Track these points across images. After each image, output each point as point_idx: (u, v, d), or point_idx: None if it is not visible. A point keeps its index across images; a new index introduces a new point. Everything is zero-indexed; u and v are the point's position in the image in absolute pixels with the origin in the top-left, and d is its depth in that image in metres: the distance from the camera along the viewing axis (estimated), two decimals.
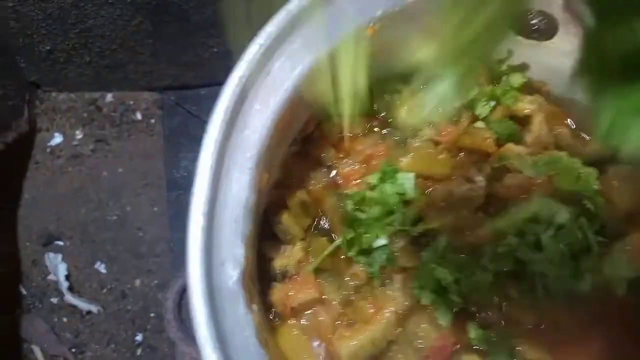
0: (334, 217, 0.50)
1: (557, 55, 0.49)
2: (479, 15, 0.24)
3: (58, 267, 0.71)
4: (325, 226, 0.52)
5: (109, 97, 0.77)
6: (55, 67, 0.72)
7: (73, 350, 0.69)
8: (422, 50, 0.25)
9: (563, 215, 0.45)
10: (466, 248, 0.48)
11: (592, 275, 0.45)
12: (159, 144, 0.74)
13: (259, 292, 0.45)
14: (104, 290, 0.71)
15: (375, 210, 0.48)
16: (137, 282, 0.71)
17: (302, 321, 0.49)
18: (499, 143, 0.52)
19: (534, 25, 0.37)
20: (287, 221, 0.49)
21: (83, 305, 0.70)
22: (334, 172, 0.52)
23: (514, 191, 0.49)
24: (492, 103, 0.53)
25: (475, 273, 0.47)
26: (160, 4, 0.62)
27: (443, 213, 0.49)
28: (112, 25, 0.65)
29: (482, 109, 0.52)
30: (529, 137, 0.52)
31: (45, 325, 0.70)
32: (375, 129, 0.53)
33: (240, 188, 0.39)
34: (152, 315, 0.70)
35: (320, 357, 0.48)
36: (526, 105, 0.53)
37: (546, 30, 0.46)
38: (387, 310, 0.47)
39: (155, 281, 0.71)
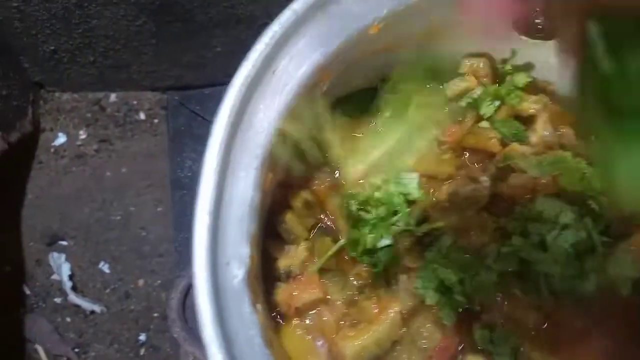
0: (338, 217, 0.51)
1: None
2: None
3: (62, 267, 0.71)
4: (330, 226, 0.52)
5: (113, 97, 0.77)
6: (59, 67, 0.72)
7: (76, 350, 0.69)
8: None
9: (568, 215, 0.45)
10: (470, 248, 0.48)
11: (597, 276, 0.45)
12: (162, 144, 0.75)
13: (263, 292, 0.45)
14: (108, 290, 0.71)
15: (380, 210, 0.48)
16: (141, 282, 0.71)
17: (306, 321, 0.49)
18: (504, 143, 0.52)
19: (538, 24, 0.37)
20: (291, 221, 0.49)
21: (86, 305, 0.70)
22: (338, 172, 0.52)
23: (519, 191, 0.49)
24: (497, 103, 0.53)
25: (479, 273, 0.47)
26: (164, 4, 0.62)
27: (447, 213, 0.49)
28: (116, 26, 0.65)
29: (487, 109, 0.52)
30: (533, 137, 0.52)
31: (48, 325, 0.70)
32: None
33: (245, 187, 0.39)
34: (155, 315, 0.70)
35: (324, 357, 0.48)
36: (531, 105, 0.52)
37: (551, 30, 0.46)
38: (392, 311, 0.47)
39: (159, 281, 0.71)
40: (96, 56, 0.70)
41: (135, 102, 0.77)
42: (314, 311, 0.49)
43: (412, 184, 0.48)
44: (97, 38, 0.67)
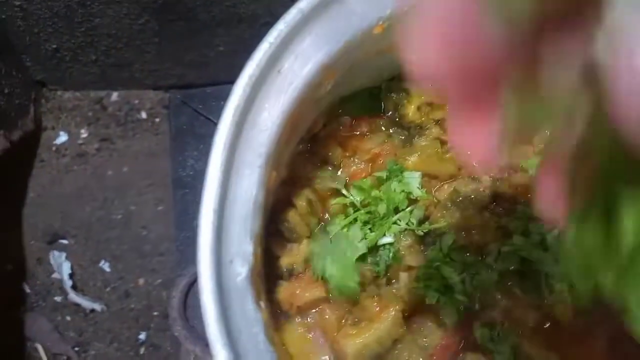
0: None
1: None
2: None
3: (62, 266, 0.71)
4: None
5: (115, 96, 0.77)
6: (61, 66, 0.72)
7: (76, 348, 0.69)
8: None
9: None
10: (471, 247, 0.48)
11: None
12: (164, 143, 0.75)
13: (266, 290, 0.45)
14: (108, 289, 0.71)
15: (382, 209, 0.48)
16: (141, 281, 0.71)
17: (308, 319, 0.49)
18: None
19: None
20: (294, 219, 0.49)
21: (87, 303, 0.70)
22: (340, 171, 0.52)
23: (520, 190, 0.49)
24: None
25: (480, 272, 0.47)
26: (166, 2, 0.63)
27: (449, 212, 0.49)
28: (119, 24, 0.65)
29: None
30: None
31: (48, 323, 0.70)
32: (382, 128, 0.53)
33: (249, 185, 0.39)
34: (155, 314, 0.70)
35: (326, 355, 0.48)
36: None
37: None
38: (393, 309, 0.48)
39: (159, 280, 0.71)
40: (98, 55, 0.70)
41: (136, 101, 0.77)
42: (315, 309, 0.49)
43: (414, 182, 0.49)
44: (100, 37, 0.67)
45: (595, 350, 0.48)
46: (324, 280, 0.48)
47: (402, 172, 0.49)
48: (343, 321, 0.49)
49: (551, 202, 0.20)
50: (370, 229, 0.49)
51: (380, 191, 0.49)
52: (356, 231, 0.48)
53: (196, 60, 0.71)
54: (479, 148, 0.19)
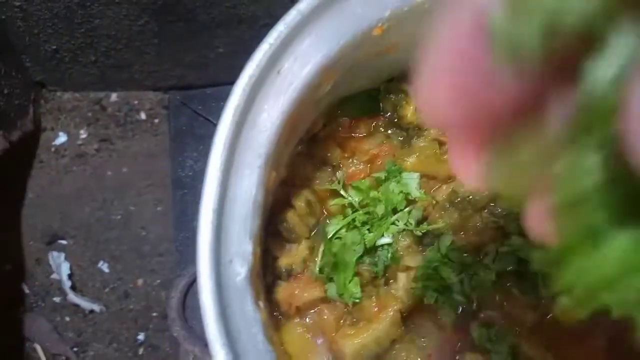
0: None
1: None
2: None
3: (61, 266, 0.71)
4: None
5: (114, 96, 0.77)
6: (61, 67, 0.72)
7: (75, 349, 0.69)
8: None
9: None
10: (470, 247, 0.48)
11: None
12: (163, 143, 0.75)
13: (265, 290, 0.45)
14: (107, 290, 0.71)
15: (380, 209, 0.48)
16: (140, 282, 0.72)
17: (307, 319, 0.49)
18: None
19: None
20: (293, 220, 0.49)
21: (86, 304, 0.70)
22: (339, 172, 0.52)
23: None
24: None
25: (478, 272, 0.48)
26: (166, 4, 0.63)
27: (447, 213, 0.50)
28: (118, 25, 0.66)
29: None
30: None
31: (47, 324, 0.70)
32: (381, 129, 0.53)
33: (249, 186, 0.39)
34: (154, 314, 0.70)
35: (324, 356, 0.48)
36: None
37: None
38: (391, 309, 0.48)
39: (158, 280, 0.72)
40: (98, 56, 0.70)
41: (136, 102, 0.77)
42: (314, 310, 0.49)
43: (412, 183, 0.49)
44: (99, 38, 0.67)
45: (595, 350, 0.48)
46: (322, 281, 0.48)
47: (400, 173, 0.50)
48: (341, 321, 0.49)
49: (538, 221, 0.20)
50: (368, 229, 0.49)
51: (378, 192, 0.50)
52: (355, 236, 0.48)
53: (196, 61, 0.71)
54: (469, 175, 0.20)
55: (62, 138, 0.76)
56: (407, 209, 0.49)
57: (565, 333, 0.48)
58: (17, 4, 0.62)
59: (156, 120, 0.76)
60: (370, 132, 0.53)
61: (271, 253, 0.49)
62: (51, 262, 0.71)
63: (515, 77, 0.16)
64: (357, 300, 0.48)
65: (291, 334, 0.49)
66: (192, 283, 0.62)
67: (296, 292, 0.48)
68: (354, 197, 0.50)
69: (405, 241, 0.49)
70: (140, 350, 0.70)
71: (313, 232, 0.51)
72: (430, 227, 0.49)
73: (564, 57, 0.16)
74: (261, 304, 0.41)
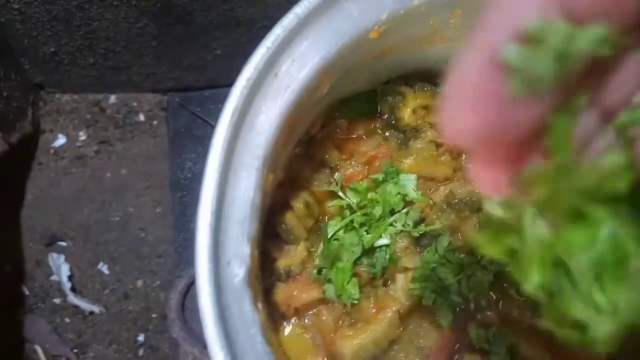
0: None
1: None
2: None
3: (61, 268, 0.71)
4: None
5: (113, 98, 0.77)
6: (60, 69, 0.72)
7: (75, 350, 0.69)
8: None
9: None
10: (467, 248, 0.49)
11: None
12: (162, 145, 0.75)
13: (263, 291, 0.45)
14: (107, 291, 0.72)
15: (378, 211, 0.49)
16: (140, 283, 0.72)
17: (305, 320, 0.49)
18: None
19: None
20: (291, 221, 0.49)
21: (85, 305, 0.70)
22: (337, 174, 0.52)
23: None
24: None
25: (476, 273, 0.48)
26: (164, 6, 0.63)
27: (445, 214, 0.50)
28: (117, 28, 0.66)
29: None
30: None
31: (47, 325, 0.70)
32: (378, 131, 0.54)
33: (247, 187, 0.39)
34: (154, 315, 0.71)
35: (323, 356, 0.49)
36: None
37: None
38: (389, 310, 0.48)
39: (158, 282, 0.72)
40: (96, 58, 0.70)
41: (135, 104, 0.77)
42: (312, 311, 0.49)
43: (410, 184, 0.49)
44: (98, 40, 0.67)
45: (594, 350, 0.48)
46: (320, 282, 0.49)
47: (398, 175, 0.50)
48: (340, 322, 0.49)
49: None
50: (366, 230, 0.49)
51: (376, 193, 0.50)
52: (353, 237, 0.48)
53: (194, 64, 0.71)
54: (489, 187, 0.23)
55: (61, 140, 0.76)
56: (404, 210, 0.49)
57: None
58: (16, 6, 0.63)
59: (155, 122, 0.76)
60: (367, 134, 0.53)
61: (269, 254, 0.49)
62: (51, 263, 0.72)
63: (530, 103, 0.18)
64: (356, 301, 0.48)
65: (290, 335, 0.49)
66: (192, 284, 0.62)
67: (294, 293, 0.49)
68: (351, 199, 0.50)
69: (403, 242, 0.49)
70: (140, 352, 0.70)
71: (311, 234, 0.51)
72: (428, 228, 0.49)
73: (573, 82, 0.18)
74: (260, 305, 0.41)
